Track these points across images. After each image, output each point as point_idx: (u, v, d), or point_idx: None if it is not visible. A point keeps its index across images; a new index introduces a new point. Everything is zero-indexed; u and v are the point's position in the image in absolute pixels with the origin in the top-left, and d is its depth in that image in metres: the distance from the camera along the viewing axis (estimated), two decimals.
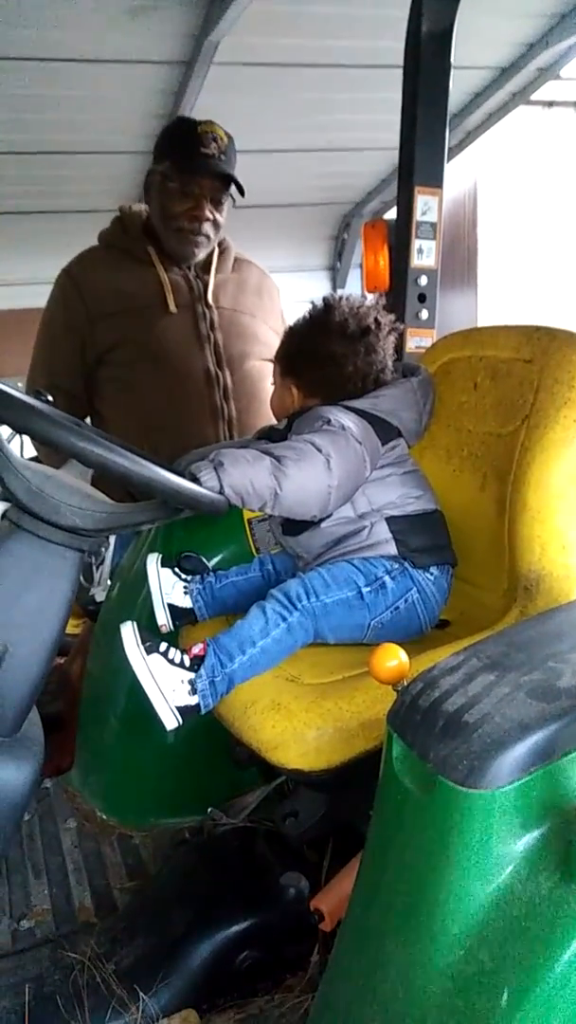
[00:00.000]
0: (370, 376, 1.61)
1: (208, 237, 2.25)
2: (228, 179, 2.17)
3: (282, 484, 1.37)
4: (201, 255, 2.28)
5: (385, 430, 1.56)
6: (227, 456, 1.36)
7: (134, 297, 2.24)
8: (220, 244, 2.36)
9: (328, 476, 1.41)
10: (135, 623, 1.31)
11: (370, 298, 1.67)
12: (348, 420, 1.50)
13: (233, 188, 2.21)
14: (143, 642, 1.29)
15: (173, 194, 2.19)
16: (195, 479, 1.34)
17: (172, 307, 2.23)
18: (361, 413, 1.54)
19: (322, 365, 1.60)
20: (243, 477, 1.34)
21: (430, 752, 0.88)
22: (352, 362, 1.59)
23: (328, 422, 1.48)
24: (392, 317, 1.66)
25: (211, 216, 2.22)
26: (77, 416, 2.32)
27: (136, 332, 2.22)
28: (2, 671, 1.27)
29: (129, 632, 1.30)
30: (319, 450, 1.42)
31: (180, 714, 1.28)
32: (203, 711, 1.31)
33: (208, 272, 2.31)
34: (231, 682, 1.34)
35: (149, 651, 1.29)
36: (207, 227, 2.23)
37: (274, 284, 2.52)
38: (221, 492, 1.33)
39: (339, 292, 1.68)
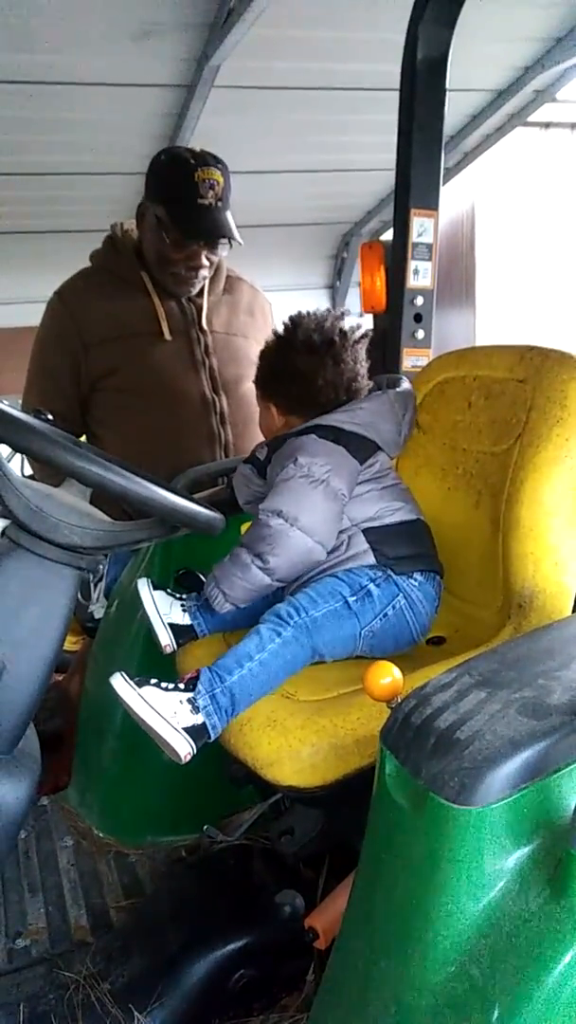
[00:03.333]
0: (341, 386, 1.64)
1: (204, 277, 2.26)
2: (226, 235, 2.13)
3: (274, 572, 1.47)
4: (195, 292, 2.28)
5: (362, 447, 1.59)
6: (223, 581, 1.50)
7: (128, 324, 2.23)
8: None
9: (304, 537, 1.47)
10: (123, 672, 1.29)
11: (335, 311, 1.70)
12: (318, 457, 1.52)
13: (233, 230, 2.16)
14: (132, 679, 1.28)
15: (168, 243, 2.16)
16: (204, 624, 1.59)
17: (167, 334, 2.23)
18: (338, 432, 1.57)
19: (293, 382, 1.64)
20: (243, 591, 1.49)
21: (422, 769, 0.89)
22: (321, 375, 1.62)
23: (295, 462, 1.52)
24: (358, 324, 1.70)
25: (207, 263, 2.21)
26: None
27: (131, 359, 2.22)
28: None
29: (119, 680, 1.28)
30: (285, 519, 1.47)
31: (190, 736, 1.25)
32: (212, 732, 1.28)
33: (201, 296, 2.31)
34: (233, 697, 1.32)
35: (140, 684, 1.27)
36: (203, 272, 2.23)
37: (266, 300, 2.52)
38: (237, 605, 1.51)
39: (306, 309, 1.72)
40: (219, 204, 2.12)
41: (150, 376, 2.22)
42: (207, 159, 2.12)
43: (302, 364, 1.63)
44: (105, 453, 1.44)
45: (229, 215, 2.15)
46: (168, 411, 2.23)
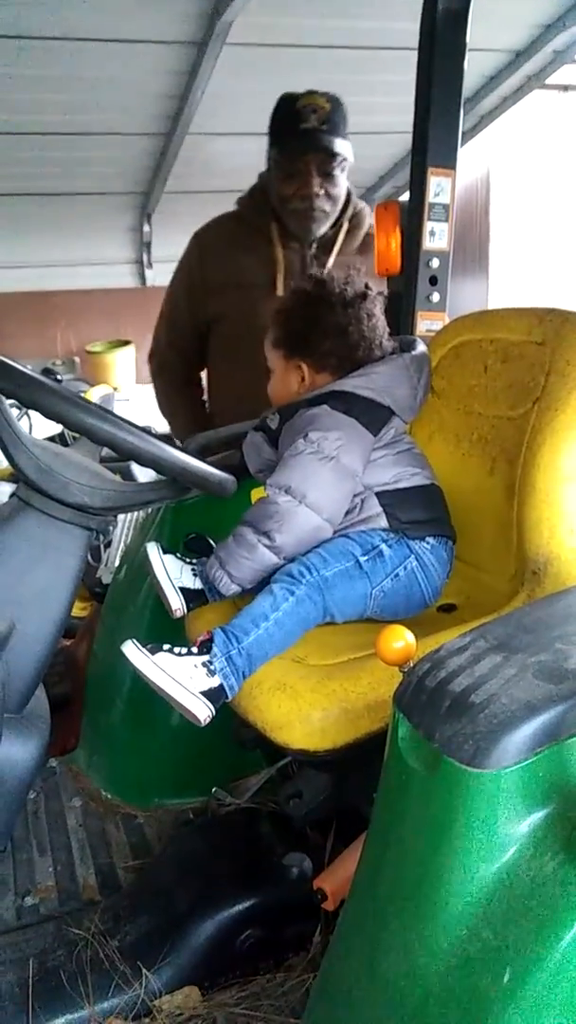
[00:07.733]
0: (375, 341, 1.61)
1: (324, 211, 2.28)
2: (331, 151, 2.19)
3: (281, 550, 1.44)
4: (321, 230, 2.31)
5: (377, 416, 1.55)
6: (228, 562, 1.45)
7: (247, 272, 2.30)
8: (352, 220, 2.39)
9: (312, 515, 1.44)
10: (135, 640, 1.30)
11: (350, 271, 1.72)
12: (330, 432, 1.48)
13: (348, 151, 2.24)
14: (145, 646, 1.29)
15: (282, 177, 2.24)
16: (215, 589, 1.49)
17: (280, 287, 2.28)
18: (352, 400, 1.53)
19: (328, 337, 1.59)
20: (249, 572, 1.45)
21: (436, 732, 0.88)
22: (358, 329, 1.58)
23: (306, 436, 1.48)
24: (373, 282, 1.70)
25: (320, 191, 2.24)
26: (189, 373, 2.53)
27: (241, 307, 2.29)
28: (9, 648, 1.27)
29: (131, 646, 1.29)
30: (293, 496, 1.44)
31: (208, 700, 1.26)
32: (228, 692, 1.29)
33: (329, 252, 2.33)
34: (250, 658, 1.31)
35: (153, 652, 1.28)
36: (319, 202, 2.25)
37: None
38: (244, 587, 1.47)
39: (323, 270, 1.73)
40: (324, 127, 2.17)
41: (255, 326, 2.23)
42: (315, 91, 2.21)
43: (340, 318, 1.58)
44: (116, 413, 1.42)
45: (340, 141, 2.21)
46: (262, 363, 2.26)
